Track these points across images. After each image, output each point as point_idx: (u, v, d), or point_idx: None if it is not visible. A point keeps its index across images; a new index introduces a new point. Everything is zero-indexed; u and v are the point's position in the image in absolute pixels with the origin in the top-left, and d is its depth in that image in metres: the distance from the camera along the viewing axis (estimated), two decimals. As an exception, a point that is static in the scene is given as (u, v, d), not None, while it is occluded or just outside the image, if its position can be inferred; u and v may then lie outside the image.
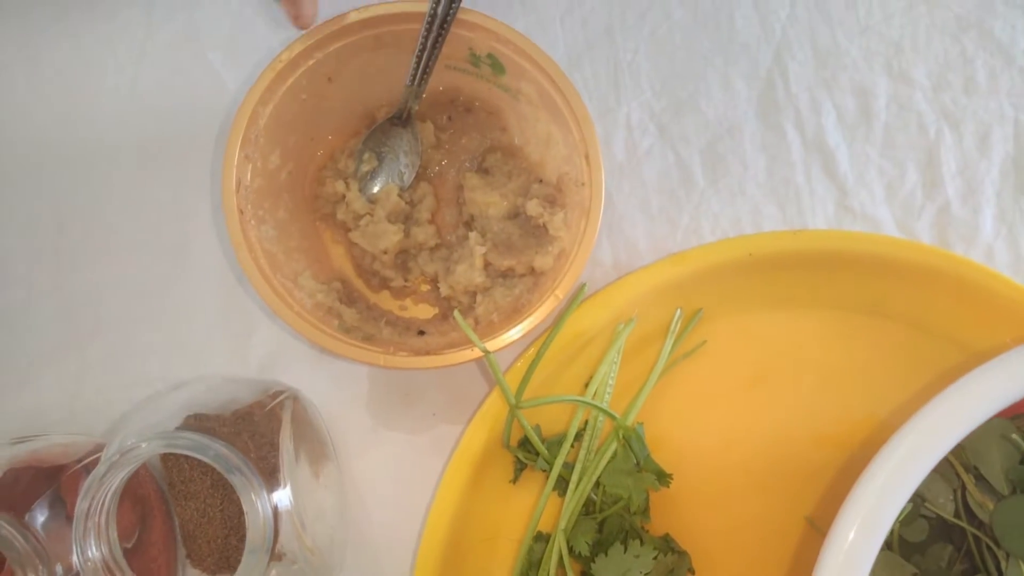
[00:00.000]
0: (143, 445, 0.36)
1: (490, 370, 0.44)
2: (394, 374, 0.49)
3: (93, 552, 0.36)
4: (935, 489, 0.42)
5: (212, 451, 0.36)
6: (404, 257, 0.49)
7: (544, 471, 0.46)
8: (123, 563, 0.36)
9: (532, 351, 0.46)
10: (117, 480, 0.36)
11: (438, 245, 0.49)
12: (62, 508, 0.41)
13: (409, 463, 0.48)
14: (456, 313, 0.41)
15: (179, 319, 0.48)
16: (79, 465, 0.43)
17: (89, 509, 0.36)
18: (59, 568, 0.37)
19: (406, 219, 0.48)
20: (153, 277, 0.49)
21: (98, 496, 0.36)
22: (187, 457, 0.44)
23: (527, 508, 0.47)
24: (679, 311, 0.47)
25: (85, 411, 0.47)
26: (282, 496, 0.38)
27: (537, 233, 0.47)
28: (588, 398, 0.44)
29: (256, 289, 0.42)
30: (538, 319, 0.43)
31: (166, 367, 0.48)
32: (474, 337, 0.41)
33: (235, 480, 0.35)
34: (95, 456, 0.42)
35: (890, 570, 0.40)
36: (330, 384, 0.48)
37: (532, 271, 0.46)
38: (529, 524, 0.46)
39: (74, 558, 0.37)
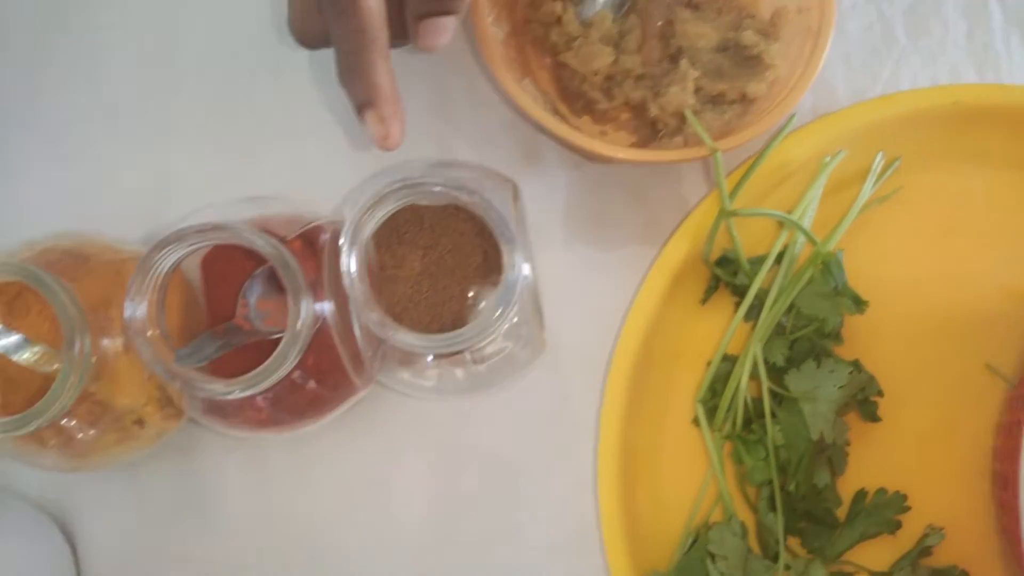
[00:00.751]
0: (413, 180, 0.37)
1: (713, 171, 0.45)
2: (589, 194, 0.50)
3: (359, 285, 0.37)
4: None
5: (478, 195, 0.37)
6: (609, 84, 0.50)
7: (736, 295, 0.47)
8: (375, 306, 0.38)
9: (739, 172, 0.47)
10: (371, 224, 0.38)
11: (643, 75, 0.50)
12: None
13: (601, 277, 0.49)
14: (688, 112, 0.42)
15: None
16: (297, 234, 0.44)
17: (350, 245, 0.38)
18: (318, 306, 0.39)
19: (615, 46, 0.50)
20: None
21: (356, 241, 0.38)
22: (400, 241, 0.46)
23: (715, 329, 0.48)
24: (880, 154, 0.48)
25: (304, 202, 0.49)
26: (523, 265, 0.39)
27: (749, 64, 0.48)
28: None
29: (495, 74, 0.44)
30: (747, 138, 0.44)
31: (381, 157, 0.49)
32: (703, 133, 0.42)
33: (498, 231, 0.36)
34: (318, 223, 0.44)
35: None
36: (527, 195, 0.49)
37: (743, 98, 0.47)
38: (718, 342, 0.47)
39: (314, 306, 0.39)
